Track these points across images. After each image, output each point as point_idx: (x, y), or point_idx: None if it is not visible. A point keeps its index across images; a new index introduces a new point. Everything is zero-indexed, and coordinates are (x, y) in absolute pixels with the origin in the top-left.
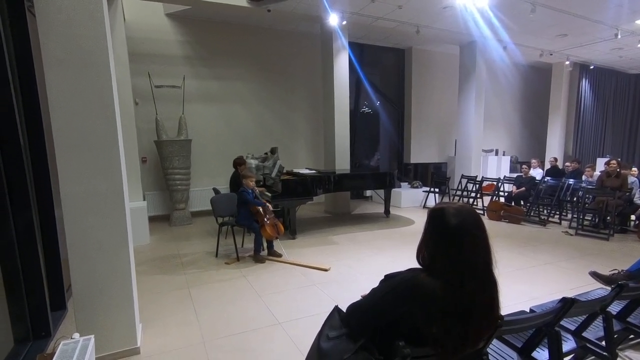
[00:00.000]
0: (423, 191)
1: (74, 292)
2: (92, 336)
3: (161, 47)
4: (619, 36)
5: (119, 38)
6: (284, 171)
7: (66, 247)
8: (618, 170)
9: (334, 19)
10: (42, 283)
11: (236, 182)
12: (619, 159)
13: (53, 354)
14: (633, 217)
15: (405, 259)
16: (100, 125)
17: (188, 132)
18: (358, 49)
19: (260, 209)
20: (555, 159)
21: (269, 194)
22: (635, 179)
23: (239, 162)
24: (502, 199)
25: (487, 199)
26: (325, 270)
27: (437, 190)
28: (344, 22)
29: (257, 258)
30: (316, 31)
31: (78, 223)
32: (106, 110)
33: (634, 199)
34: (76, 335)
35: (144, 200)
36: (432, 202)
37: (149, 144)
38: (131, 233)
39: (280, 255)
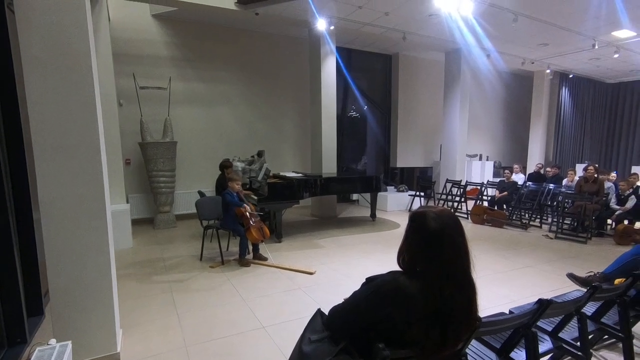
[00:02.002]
0: (409, 195)
1: (51, 297)
2: (69, 342)
3: (147, 48)
4: (596, 46)
5: (103, 38)
6: (271, 174)
7: (44, 250)
8: (595, 175)
9: (321, 24)
10: (19, 288)
11: (222, 184)
12: (597, 165)
13: None
14: (610, 221)
15: (391, 262)
16: (81, 128)
17: (173, 134)
18: (346, 54)
19: (247, 213)
20: (542, 165)
21: (255, 197)
22: (612, 184)
23: (225, 165)
24: (485, 203)
25: (470, 203)
26: (311, 273)
27: (422, 194)
28: (332, 27)
29: (242, 262)
30: (304, 35)
31: (57, 227)
32: (88, 112)
33: (611, 204)
34: (53, 341)
35: (127, 202)
36: (417, 205)
37: (133, 145)
38: (112, 236)
39: (265, 259)
